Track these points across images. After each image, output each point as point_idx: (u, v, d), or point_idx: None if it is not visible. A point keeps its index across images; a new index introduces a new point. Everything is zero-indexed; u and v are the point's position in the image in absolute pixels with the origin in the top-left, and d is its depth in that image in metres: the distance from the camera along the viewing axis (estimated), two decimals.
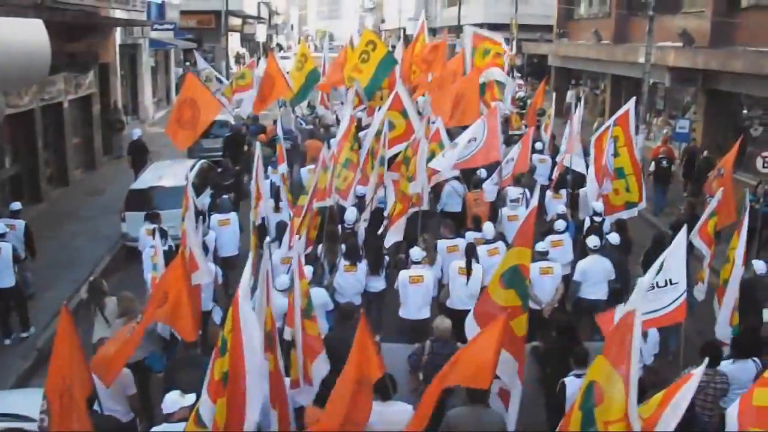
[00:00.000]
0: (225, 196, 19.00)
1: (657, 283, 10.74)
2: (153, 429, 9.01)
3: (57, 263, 19.91)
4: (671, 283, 10.82)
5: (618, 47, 35.48)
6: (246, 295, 7.91)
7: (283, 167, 18.33)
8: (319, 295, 12.69)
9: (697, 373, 7.03)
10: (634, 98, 19.16)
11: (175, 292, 10.62)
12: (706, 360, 7.69)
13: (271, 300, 9.27)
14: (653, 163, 26.24)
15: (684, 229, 11.17)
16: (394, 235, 15.91)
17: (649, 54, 28.21)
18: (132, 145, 28.40)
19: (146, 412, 11.70)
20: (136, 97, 40.86)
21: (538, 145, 23.07)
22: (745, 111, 28.05)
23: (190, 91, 19.56)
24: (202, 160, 23.56)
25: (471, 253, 14.00)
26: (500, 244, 14.81)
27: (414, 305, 13.53)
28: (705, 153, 24.79)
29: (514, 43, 57.51)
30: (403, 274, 13.66)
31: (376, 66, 24.67)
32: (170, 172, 21.94)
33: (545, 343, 11.61)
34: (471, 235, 15.50)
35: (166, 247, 14.84)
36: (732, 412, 8.43)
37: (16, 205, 17.70)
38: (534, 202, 11.45)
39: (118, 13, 32.35)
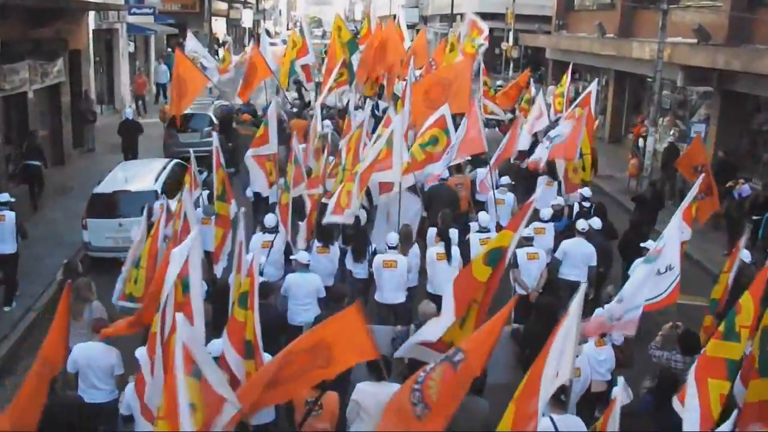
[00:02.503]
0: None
1: (659, 270, 11.30)
2: None
3: None
4: (670, 269, 11.43)
5: (625, 42, 33.40)
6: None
7: (266, 148, 17.74)
8: (311, 281, 13.21)
9: (618, 397, 7.20)
10: (596, 80, 23.11)
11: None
12: (621, 381, 8.06)
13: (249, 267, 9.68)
14: (641, 140, 28.74)
15: (677, 214, 12.59)
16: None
17: (662, 51, 26.25)
18: (123, 125, 27.94)
19: None
20: (112, 86, 38.57)
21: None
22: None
23: (179, 68, 21.51)
24: (175, 161, 21.49)
25: (445, 237, 14.38)
26: (493, 234, 14.85)
27: (388, 289, 13.97)
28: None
29: (511, 34, 55.78)
30: (378, 259, 14.09)
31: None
32: (138, 174, 20.04)
33: (526, 325, 12.03)
34: (474, 226, 15.72)
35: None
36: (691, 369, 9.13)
37: (4, 197, 16.81)
38: (536, 195, 12.23)
39: None
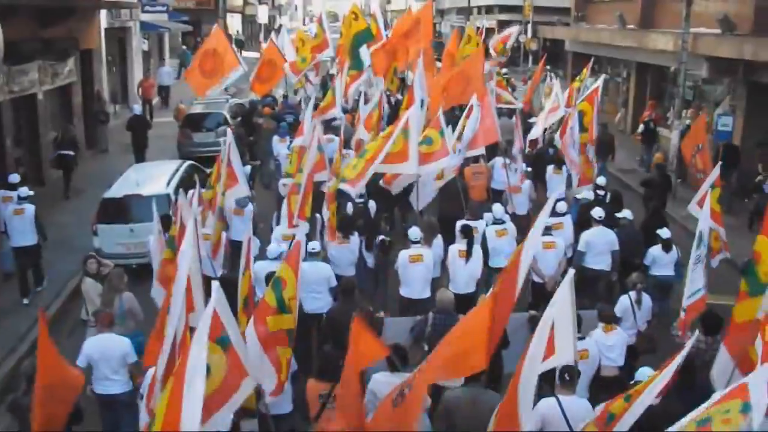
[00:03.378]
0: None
1: (698, 257, 11.34)
2: None
3: None
4: (702, 258, 11.48)
5: (648, 33, 32.62)
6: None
7: (301, 139, 18.45)
8: (321, 270, 13.31)
9: (663, 374, 7.16)
10: (603, 76, 23.49)
11: None
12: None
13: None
14: (642, 126, 29.57)
15: (707, 202, 13.00)
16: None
17: (686, 42, 25.55)
18: (131, 120, 27.95)
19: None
20: (125, 85, 38.05)
21: (531, 120, 24.66)
22: None
23: (214, 43, 22.08)
24: (188, 162, 20.96)
25: (468, 234, 14.12)
26: (509, 225, 15.34)
27: (415, 284, 13.79)
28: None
29: (529, 27, 55.10)
30: (403, 254, 13.94)
31: (354, 37, 26.84)
32: (150, 177, 19.38)
33: (538, 313, 11.67)
34: (489, 217, 15.70)
35: None
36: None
37: (24, 191, 17.32)
38: (551, 202, 11.00)
39: None
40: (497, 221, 15.27)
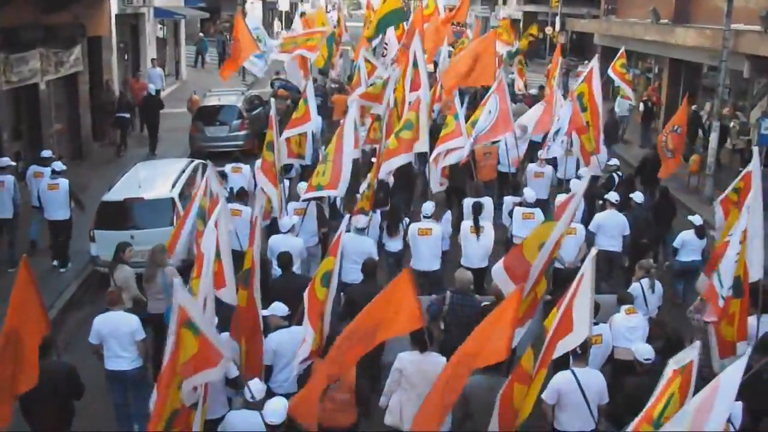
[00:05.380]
0: None
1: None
2: (232, 413, 9.28)
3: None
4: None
5: (683, 28, 31.28)
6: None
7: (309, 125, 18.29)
8: (364, 243, 13.93)
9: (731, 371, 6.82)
10: (597, 56, 22.86)
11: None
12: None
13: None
14: (641, 104, 32.65)
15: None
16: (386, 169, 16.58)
17: (727, 39, 24.19)
18: (145, 99, 28.67)
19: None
20: (138, 73, 36.70)
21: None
22: None
23: (238, 31, 24.21)
24: (197, 161, 19.64)
25: (477, 212, 14.78)
26: (537, 210, 15.76)
27: (424, 257, 14.49)
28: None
29: (557, 19, 53.76)
30: (413, 228, 14.66)
31: (383, 15, 28.10)
32: (154, 178, 18.05)
33: (552, 296, 12.19)
34: (510, 200, 16.74)
35: None
36: None
37: (59, 165, 17.92)
38: (583, 185, 12.13)
39: None
40: (527, 204, 15.83)
